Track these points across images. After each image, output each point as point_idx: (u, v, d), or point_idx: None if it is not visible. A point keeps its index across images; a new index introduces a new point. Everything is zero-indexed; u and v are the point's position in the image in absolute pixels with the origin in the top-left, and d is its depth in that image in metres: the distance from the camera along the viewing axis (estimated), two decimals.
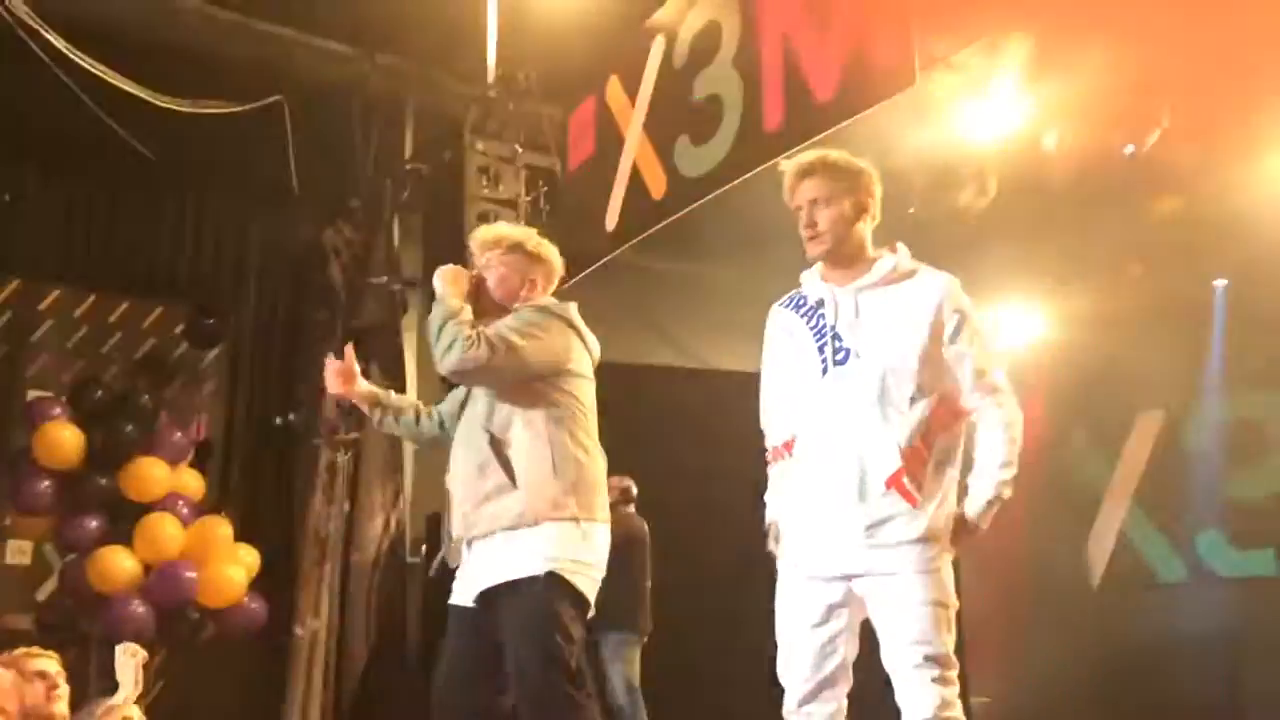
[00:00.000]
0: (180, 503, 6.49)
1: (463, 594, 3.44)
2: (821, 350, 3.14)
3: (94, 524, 6.32)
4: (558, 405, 3.45)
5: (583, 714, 3.27)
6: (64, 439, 6.30)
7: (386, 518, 6.76)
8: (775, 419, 3.29)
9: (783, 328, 3.29)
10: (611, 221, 6.10)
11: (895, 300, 3.12)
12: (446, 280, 3.52)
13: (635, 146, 5.93)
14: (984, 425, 3.10)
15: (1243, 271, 6.71)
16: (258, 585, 6.72)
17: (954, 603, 3.03)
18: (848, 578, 3.05)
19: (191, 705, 6.33)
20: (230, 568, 6.42)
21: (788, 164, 3.24)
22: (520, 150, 6.67)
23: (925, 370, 3.05)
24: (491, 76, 6.52)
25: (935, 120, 6.03)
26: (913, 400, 3.04)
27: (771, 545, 3.24)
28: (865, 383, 3.06)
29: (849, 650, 3.08)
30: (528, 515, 3.32)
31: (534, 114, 6.80)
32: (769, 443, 3.31)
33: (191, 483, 6.66)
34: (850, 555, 3.03)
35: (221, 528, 6.51)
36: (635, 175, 5.91)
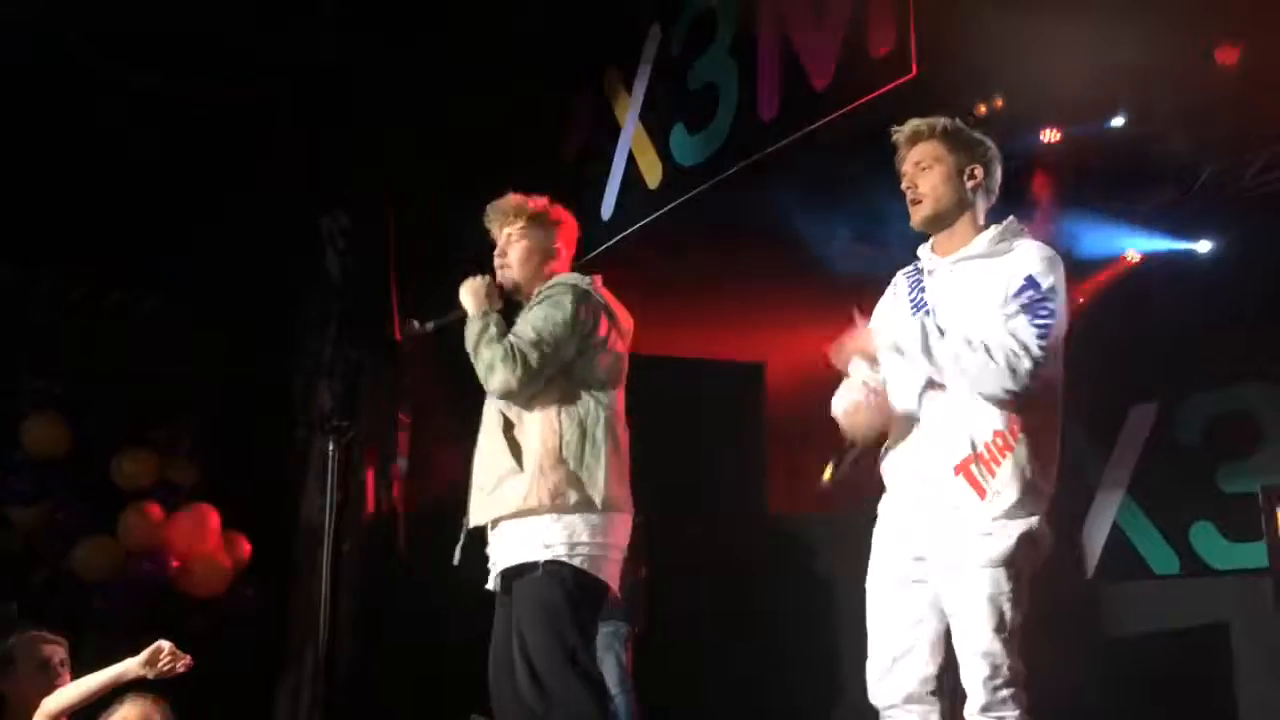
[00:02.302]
0: (167, 491, 6.48)
1: (490, 579, 3.51)
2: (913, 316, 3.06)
3: (81, 512, 6.31)
4: (575, 386, 3.42)
5: (584, 699, 3.24)
6: (53, 426, 6.29)
7: (379, 507, 6.76)
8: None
9: (892, 290, 3.24)
10: (608, 211, 6.09)
11: (988, 275, 3.00)
12: (472, 294, 3.54)
13: (631, 135, 5.92)
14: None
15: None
16: (247, 574, 6.71)
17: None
18: (919, 559, 3.03)
19: (180, 693, 6.29)
20: (218, 556, 6.41)
21: (899, 129, 3.16)
22: None
23: None
24: None
25: None
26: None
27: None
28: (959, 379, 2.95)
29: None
30: (529, 500, 3.30)
31: None
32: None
33: (180, 471, 6.66)
34: (919, 537, 3.02)
35: (209, 516, 6.51)
36: (631, 164, 5.90)
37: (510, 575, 3.38)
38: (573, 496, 3.31)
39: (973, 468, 2.93)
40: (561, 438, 3.34)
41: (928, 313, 3.03)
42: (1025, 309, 2.89)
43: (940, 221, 3.10)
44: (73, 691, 3.77)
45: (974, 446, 2.93)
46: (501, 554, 3.42)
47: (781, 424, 7.08)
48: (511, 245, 3.60)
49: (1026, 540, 2.91)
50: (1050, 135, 6.02)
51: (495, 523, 3.43)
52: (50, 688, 4.01)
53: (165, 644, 3.81)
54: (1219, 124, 5.75)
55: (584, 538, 3.31)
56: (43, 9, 6.07)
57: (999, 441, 2.92)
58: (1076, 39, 4.73)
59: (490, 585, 3.53)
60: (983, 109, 5.29)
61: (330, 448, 4.65)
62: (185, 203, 6.85)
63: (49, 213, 6.67)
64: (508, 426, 3.38)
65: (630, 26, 6.11)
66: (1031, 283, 2.92)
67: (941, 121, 3.11)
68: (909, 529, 3.05)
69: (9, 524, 6.42)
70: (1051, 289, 2.93)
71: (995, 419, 2.93)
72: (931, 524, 2.99)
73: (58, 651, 4.14)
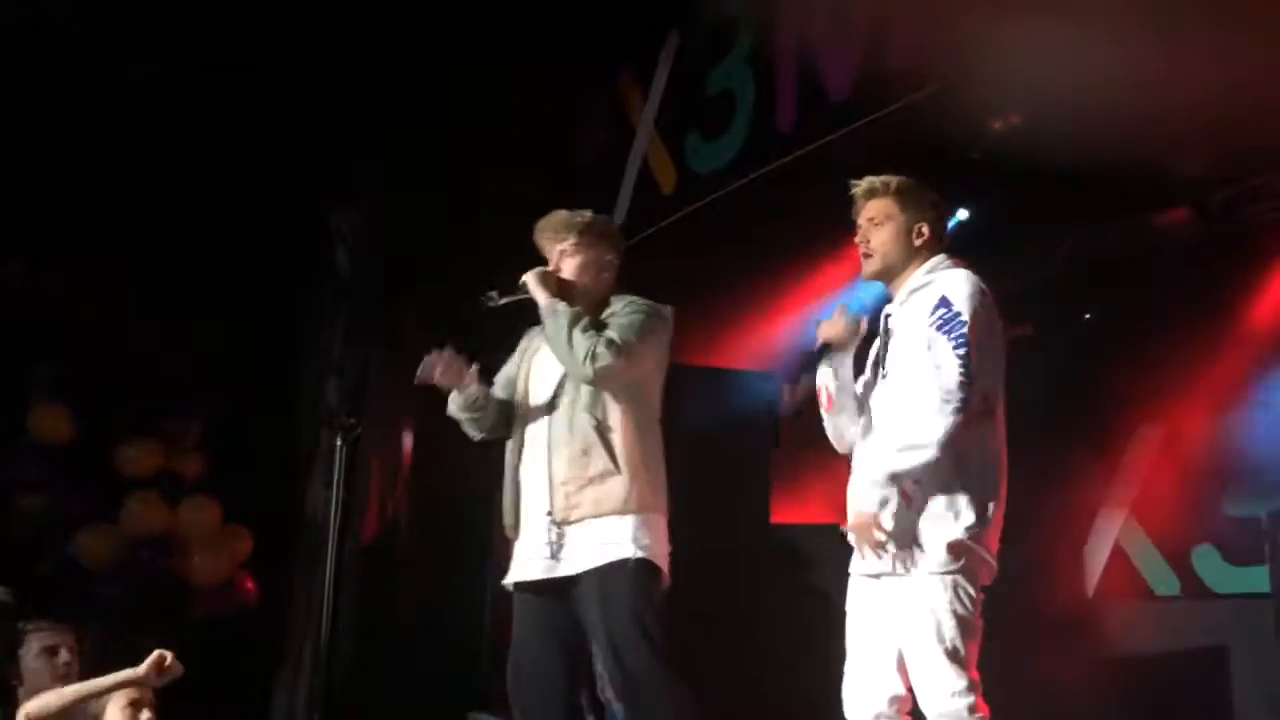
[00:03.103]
0: (171, 481, 6.49)
1: (534, 571, 3.53)
2: (874, 365, 3.32)
3: (83, 499, 6.32)
4: (648, 399, 3.61)
5: (680, 689, 3.36)
6: (58, 415, 6.30)
7: (384, 504, 6.77)
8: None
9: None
10: (620, 216, 6.10)
11: (913, 310, 3.21)
12: (540, 283, 3.64)
13: (646, 141, 5.93)
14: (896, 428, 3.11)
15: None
16: (250, 567, 6.73)
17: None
18: (874, 576, 3.19)
19: (179, 684, 6.29)
20: (218, 549, 6.43)
21: (858, 183, 3.36)
22: None
23: (931, 374, 3.07)
24: None
25: None
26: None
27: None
28: (890, 396, 3.18)
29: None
30: (631, 501, 3.45)
31: None
32: None
33: (186, 463, 6.67)
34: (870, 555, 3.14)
35: (210, 508, 6.52)
36: (645, 169, 5.91)
37: (596, 574, 3.44)
38: (654, 500, 3.52)
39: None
40: (645, 445, 3.53)
41: (884, 352, 3.25)
42: (940, 328, 3.07)
43: (887, 275, 3.33)
44: (55, 699, 3.77)
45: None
46: (582, 553, 3.47)
47: (786, 434, 7.08)
48: (565, 261, 3.71)
49: (960, 549, 3.02)
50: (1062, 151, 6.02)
51: (575, 522, 3.49)
52: (58, 678, 4.02)
53: (167, 653, 3.82)
54: (1235, 147, 5.74)
55: (660, 540, 3.52)
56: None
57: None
58: (1094, 56, 4.73)
59: (529, 576, 3.56)
60: (999, 124, 5.30)
61: (337, 444, 4.67)
62: (195, 196, 6.87)
63: (59, 206, 6.69)
64: (602, 428, 3.49)
65: (646, 32, 6.12)
66: (944, 302, 3.11)
67: (896, 180, 3.32)
68: (864, 551, 3.18)
69: (14, 511, 6.44)
70: (965, 308, 3.09)
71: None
72: (872, 540, 3.11)
73: (66, 641, 4.15)
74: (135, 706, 3.73)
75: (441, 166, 7.07)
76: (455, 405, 3.82)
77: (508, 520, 3.67)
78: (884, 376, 3.24)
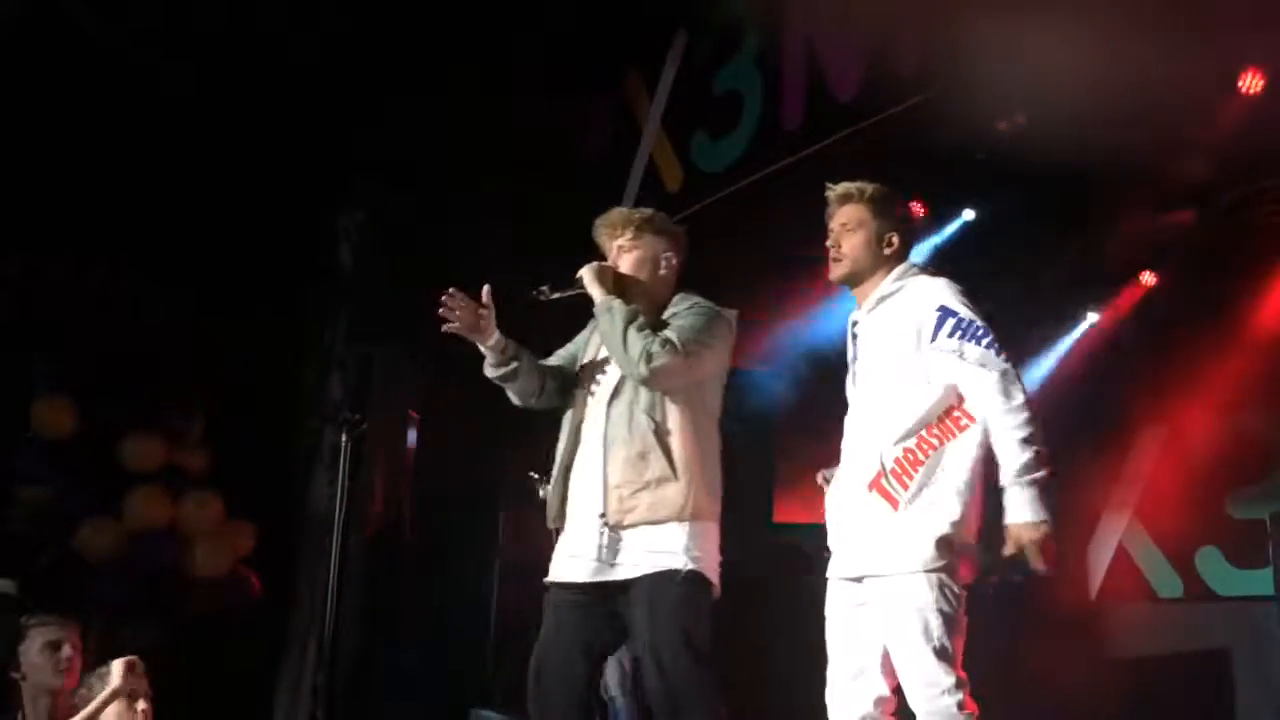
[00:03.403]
0: (174, 475, 6.50)
1: (580, 573, 3.44)
2: (850, 369, 3.35)
3: (85, 493, 6.33)
4: (708, 403, 3.51)
5: (714, 697, 3.30)
6: (61, 408, 6.32)
7: (388, 499, 6.78)
8: None
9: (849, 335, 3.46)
10: None
11: (886, 317, 3.27)
12: (597, 279, 3.53)
13: (652, 139, 5.94)
14: (993, 435, 3.09)
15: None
16: (253, 562, 6.73)
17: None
18: (856, 580, 3.22)
19: (182, 679, 6.31)
20: (220, 544, 6.44)
21: (833, 187, 3.40)
22: None
23: (913, 380, 3.15)
24: None
25: None
26: (904, 411, 3.13)
27: None
28: (868, 402, 3.23)
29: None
30: (687, 509, 3.35)
31: None
32: None
33: (190, 457, 6.68)
34: (852, 559, 3.22)
35: (212, 503, 6.52)
36: (651, 168, 5.92)
37: (646, 581, 3.35)
38: (709, 507, 3.42)
39: (884, 482, 3.11)
40: (702, 448, 3.42)
41: (856, 358, 3.33)
42: (963, 338, 3.09)
43: (854, 280, 3.37)
44: None
45: (884, 464, 3.12)
46: (633, 560, 3.38)
47: (788, 434, 7.08)
48: (623, 256, 3.62)
49: (944, 547, 3.02)
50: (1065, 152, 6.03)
51: (630, 526, 3.40)
52: (60, 672, 4.03)
53: (135, 659, 3.83)
54: (1242, 149, 5.73)
55: (713, 550, 3.42)
56: None
57: (909, 458, 3.10)
58: (1099, 60, 4.73)
59: (571, 577, 3.47)
60: (1004, 125, 5.30)
61: (341, 440, 4.67)
62: (200, 191, 6.87)
63: (62, 201, 6.70)
64: (660, 431, 3.40)
65: (654, 31, 6.12)
66: (946, 312, 3.14)
67: (871, 188, 3.36)
68: (844, 553, 3.23)
69: (17, 504, 6.46)
70: (964, 308, 3.15)
71: (906, 440, 3.12)
72: (857, 542, 3.17)
73: (69, 636, 4.16)
74: (131, 698, 3.75)
75: (445, 165, 7.07)
76: (487, 364, 3.69)
77: (552, 515, 3.57)
78: (854, 384, 3.30)
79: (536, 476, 3.88)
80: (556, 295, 3.59)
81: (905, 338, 3.17)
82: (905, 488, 3.07)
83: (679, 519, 3.35)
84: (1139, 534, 7.07)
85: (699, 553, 3.35)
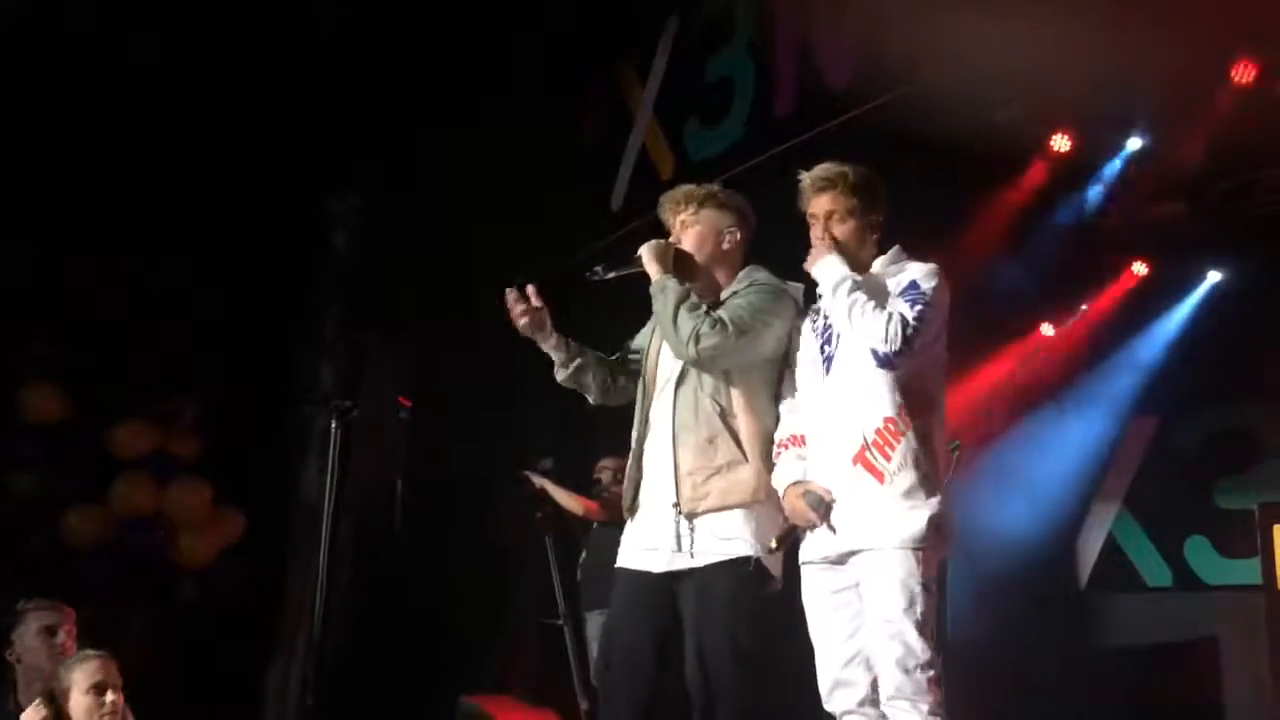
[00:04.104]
0: (163, 462, 6.49)
1: (653, 563, 3.38)
2: (822, 352, 3.25)
3: (73, 479, 6.32)
4: (772, 386, 3.41)
5: (755, 696, 3.25)
6: (50, 394, 6.30)
7: (379, 486, 6.77)
8: (785, 416, 3.34)
9: (803, 331, 3.36)
10: (617, 201, 6.10)
11: (878, 287, 3.20)
12: (654, 257, 3.44)
13: (644, 127, 5.92)
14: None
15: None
16: (243, 549, 6.73)
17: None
18: (838, 563, 3.16)
19: (171, 665, 6.32)
20: (207, 530, 6.43)
21: (805, 174, 3.29)
22: None
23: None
24: None
25: None
26: (885, 386, 3.09)
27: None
28: (848, 385, 3.15)
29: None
30: (759, 492, 3.30)
31: None
32: (776, 435, 3.33)
33: (182, 443, 6.66)
34: (833, 537, 3.14)
35: (200, 490, 6.51)
36: (644, 155, 5.91)
37: (714, 568, 3.29)
38: (771, 491, 3.33)
39: (868, 454, 3.07)
40: (767, 431, 3.35)
41: (827, 344, 3.25)
42: (902, 296, 3.13)
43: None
44: None
45: (865, 437, 3.08)
46: (703, 546, 3.32)
47: None
48: (686, 231, 3.52)
49: (932, 524, 3.01)
50: (1061, 143, 6.03)
51: (703, 513, 3.33)
52: (54, 657, 4.02)
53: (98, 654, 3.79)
54: (1232, 141, 5.74)
55: (770, 534, 3.31)
56: None
57: (890, 428, 3.07)
58: (1093, 49, 4.73)
59: (644, 566, 3.41)
60: (998, 115, 5.29)
61: (332, 427, 4.65)
62: (195, 177, 6.85)
63: (56, 188, 6.68)
64: (725, 415, 3.35)
65: (646, 19, 6.11)
66: (913, 285, 3.14)
67: (853, 174, 3.24)
68: (826, 533, 3.14)
69: (6, 490, 6.45)
70: (931, 290, 3.13)
71: (885, 408, 3.09)
72: (843, 518, 3.09)
73: (64, 621, 4.15)
74: (99, 690, 3.66)
75: (440, 152, 7.06)
76: (556, 368, 3.61)
77: (627, 501, 3.50)
78: (825, 371, 3.20)
79: (529, 474, 3.87)
80: (612, 275, 3.52)
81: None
82: (888, 459, 3.04)
83: (751, 503, 3.30)
84: (1128, 523, 7.09)
85: (765, 536, 3.29)
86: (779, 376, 3.41)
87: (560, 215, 6.48)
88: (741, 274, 3.50)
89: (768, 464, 3.31)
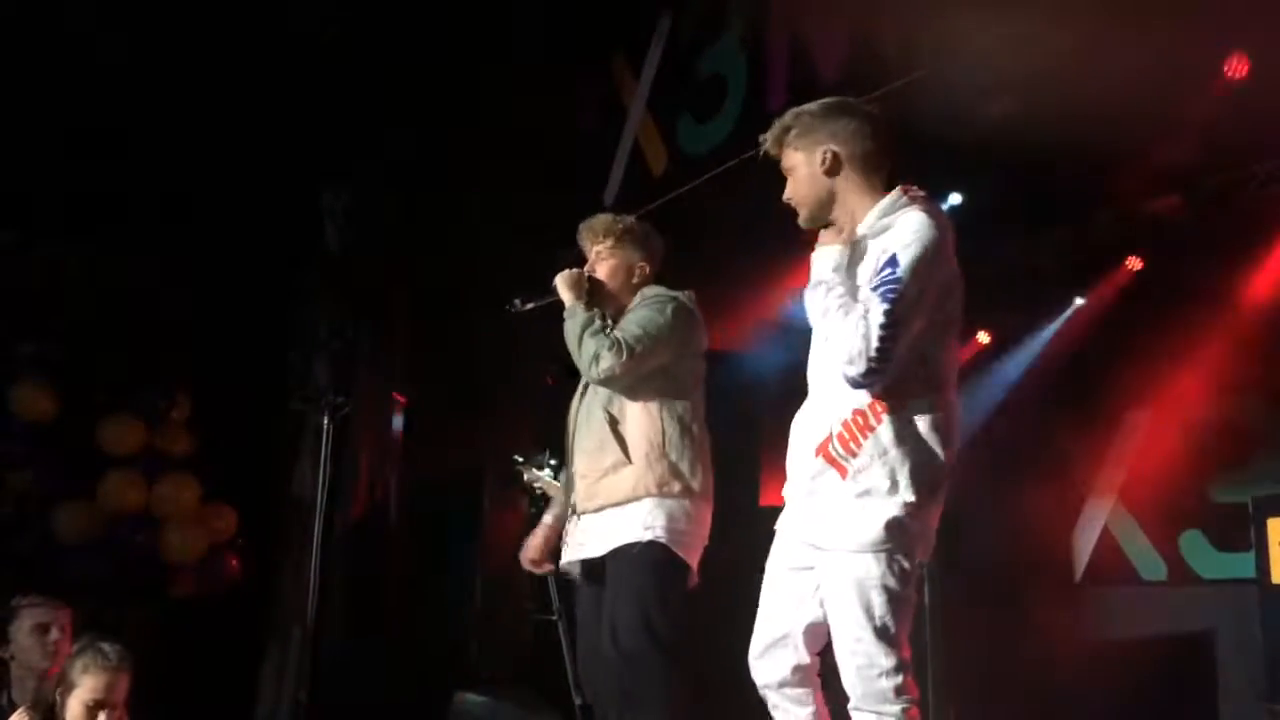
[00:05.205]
0: (152, 458, 6.48)
1: (566, 557, 3.76)
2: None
3: (61, 476, 6.31)
4: (671, 386, 3.68)
5: (670, 678, 3.45)
6: (40, 391, 6.29)
7: (372, 484, 6.77)
8: None
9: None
10: (610, 197, 6.09)
11: (862, 260, 2.92)
12: (568, 285, 3.76)
13: (637, 122, 5.92)
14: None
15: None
16: (237, 546, 6.71)
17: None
18: (808, 544, 3.00)
19: (165, 662, 6.31)
20: (196, 526, 6.42)
21: (763, 139, 3.13)
22: None
23: None
24: None
25: None
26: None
27: None
28: (824, 371, 2.96)
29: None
30: (639, 489, 3.55)
31: None
32: None
33: (174, 440, 6.65)
34: (803, 523, 3.00)
35: (188, 486, 6.50)
36: (636, 151, 5.90)
37: (608, 557, 3.58)
38: (675, 485, 3.58)
39: (832, 448, 2.87)
40: (664, 433, 3.60)
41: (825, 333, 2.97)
42: (877, 286, 2.78)
43: (818, 219, 3.05)
44: None
45: (833, 427, 2.88)
46: (599, 539, 3.62)
47: (775, 416, 7.08)
48: (600, 263, 3.85)
49: (895, 526, 2.79)
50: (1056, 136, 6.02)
51: (595, 510, 3.65)
52: (48, 655, 4.01)
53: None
54: (1224, 135, 5.74)
55: (680, 524, 3.56)
56: None
57: (859, 420, 2.85)
58: (1084, 42, 4.73)
59: (571, 571, 3.76)
60: (995, 109, 5.29)
61: (324, 423, 4.66)
62: (186, 171, 6.83)
63: (46, 182, 6.65)
64: (613, 422, 3.63)
65: (639, 14, 6.10)
66: (892, 261, 2.79)
67: (782, 123, 3.08)
68: (795, 513, 3.04)
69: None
70: (910, 268, 2.78)
71: (857, 398, 2.85)
72: (806, 509, 2.96)
73: (58, 618, 4.15)
74: (97, 706, 3.62)
75: (432, 149, 7.05)
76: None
77: (568, 510, 3.83)
78: (826, 339, 2.92)
79: (521, 460, 4.12)
80: (531, 305, 3.86)
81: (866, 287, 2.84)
82: (852, 455, 2.82)
83: (642, 498, 3.55)
84: (1124, 517, 7.10)
85: (662, 527, 3.52)
86: (689, 374, 3.71)
87: (553, 212, 6.47)
88: (640, 293, 3.81)
89: (666, 463, 3.56)
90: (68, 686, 3.65)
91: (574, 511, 3.72)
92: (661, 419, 3.62)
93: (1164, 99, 5.53)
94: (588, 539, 3.67)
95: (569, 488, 3.82)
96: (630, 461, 3.58)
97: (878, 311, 2.75)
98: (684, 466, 3.60)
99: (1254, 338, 6.37)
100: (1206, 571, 6.66)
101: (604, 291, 3.81)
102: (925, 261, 2.80)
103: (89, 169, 6.69)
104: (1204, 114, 5.44)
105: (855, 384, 2.81)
